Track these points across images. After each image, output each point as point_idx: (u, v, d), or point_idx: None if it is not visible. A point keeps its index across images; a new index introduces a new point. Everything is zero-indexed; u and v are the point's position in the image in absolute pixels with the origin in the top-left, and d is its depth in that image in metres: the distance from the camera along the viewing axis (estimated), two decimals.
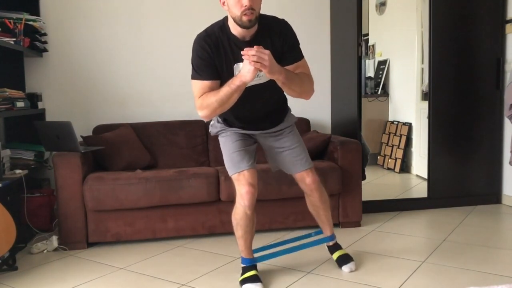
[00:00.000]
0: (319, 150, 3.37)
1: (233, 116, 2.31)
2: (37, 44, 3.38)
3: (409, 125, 4.21)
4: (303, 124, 3.76)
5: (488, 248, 2.77)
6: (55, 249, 2.89)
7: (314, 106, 4.03)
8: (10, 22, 3.09)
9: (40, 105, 3.45)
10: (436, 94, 3.63)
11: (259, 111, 2.32)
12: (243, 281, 2.30)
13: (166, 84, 3.81)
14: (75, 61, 3.68)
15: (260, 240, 3.00)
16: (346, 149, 3.20)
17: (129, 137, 3.38)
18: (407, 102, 4.26)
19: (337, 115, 4.01)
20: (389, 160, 4.43)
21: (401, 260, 2.61)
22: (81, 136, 3.21)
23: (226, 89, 2.03)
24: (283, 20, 2.24)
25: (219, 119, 2.39)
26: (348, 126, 3.71)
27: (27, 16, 3.23)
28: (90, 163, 3.12)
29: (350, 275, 2.40)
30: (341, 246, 2.58)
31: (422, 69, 3.98)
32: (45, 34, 3.52)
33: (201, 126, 3.63)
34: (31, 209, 3.11)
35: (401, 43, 4.32)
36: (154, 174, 3.00)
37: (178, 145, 3.54)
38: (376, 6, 4.41)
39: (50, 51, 3.61)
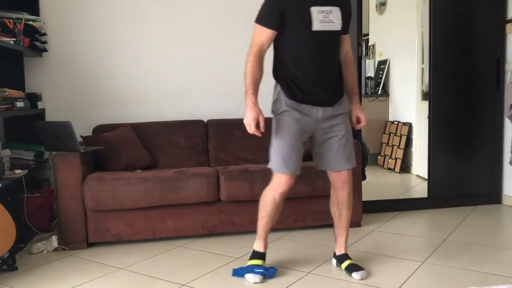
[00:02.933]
0: None
1: (300, 71, 2.28)
2: (37, 44, 3.38)
3: (409, 125, 4.21)
4: None
5: (488, 248, 2.77)
6: (55, 249, 2.89)
7: None
8: (10, 22, 3.09)
9: (40, 105, 3.44)
10: (436, 94, 3.63)
11: (323, 68, 2.29)
12: (247, 270, 2.40)
13: (166, 84, 3.81)
14: (75, 61, 3.67)
15: None
16: None
17: (129, 137, 3.37)
18: (407, 102, 4.26)
19: None
20: (389, 160, 4.43)
21: (401, 260, 2.60)
22: (81, 136, 3.21)
23: (246, 83, 2.36)
24: None
25: (284, 86, 2.34)
26: None
27: (27, 16, 3.22)
28: (90, 163, 3.12)
29: (350, 275, 2.40)
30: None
31: (422, 69, 3.98)
32: (45, 34, 3.52)
33: (201, 126, 3.63)
34: (31, 209, 3.11)
35: (401, 43, 4.32)
36: (154, 174, 3.00)
37: (178, 145, 3.54)
38: (376, 6, 4.41)
39: (50, 51, 3.60)
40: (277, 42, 2.32)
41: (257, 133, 2.22)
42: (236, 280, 2.38)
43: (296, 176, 2.34)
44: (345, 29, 2.33)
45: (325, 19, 2.22)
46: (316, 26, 2.21)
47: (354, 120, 2.43)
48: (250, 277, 2.35)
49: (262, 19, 2.25)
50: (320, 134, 2.36)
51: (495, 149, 3.74)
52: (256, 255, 2.47)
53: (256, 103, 2.25)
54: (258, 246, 2.49)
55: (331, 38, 2.28)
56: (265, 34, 2.26)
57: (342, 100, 2.37)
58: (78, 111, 3.67)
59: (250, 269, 2.38)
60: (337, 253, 2.52)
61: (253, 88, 2.28)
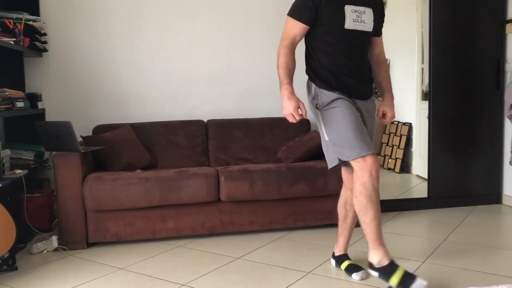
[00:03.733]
0: (319, 150, 3.37)
1: (334, 66, 2.27)
2: (37, 44, 3.38)
3: (409, 125, 4.21)
4: (303, 124, 3.75)
5: (488, 248, 2.77)
6: (55, 249, 2.89)
7: None
8: (10, 22, 3.09)
9: (40, 105, 3.44)
10: (436, 94, 3.63)
11: (355, 64, 2.29)
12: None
13: (166, 84, 3.81)
14: (75, 61, 3.67)
15: (260, 240, 3.00)
16: None
17: (129, 137, 3.37)
18: (407, 102, 4.26)
19: None
20: (389, 160, 4.43)
21: (401, 260, 2.60)
22: (81, 136, 3.21)
23: (281, 73, 2.21)
24: None
25: (322, 81, 2.29)
26: None
27: (27, 16, 3.22)
28: (90, 163, 3.12)
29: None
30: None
31: (422, 69, 3.98)
32: (45, 34, 3.52)
33: (201, 126, 3.63)
34: (31, 209, 3.10)
35: (401, 43, 4.32)
36: (154, 174, 3.00)
37: (178, 145, 3.54)
38: None
39: (50, 51, 3.60)
40: (308, 38, 2.32)
41: (299, 119, 2.15)
42: (236, 280, 2.38)
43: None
44: (376, 31, 2.36)
45: (358, 18, 2.23)
46: (349, 24, 2.22)
47: (380, 114, 2.44)
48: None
49: (297, 12, 2.25)
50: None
51: (495, 149, 3.74)
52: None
53: (293, 92, 2.18)
54: (382, 256, 2.20)
55: (362, 38, 2.29)
56: (298, 27, 2.25)
57: (371, 99, 2.41)
58: (78, 111, 3.67)
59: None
60: (336, 254, 2.52)
61: (288, 78, 2.20)
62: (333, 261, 2.54)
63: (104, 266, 2.65)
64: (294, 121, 2.16)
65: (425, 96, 3.87)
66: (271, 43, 3.92)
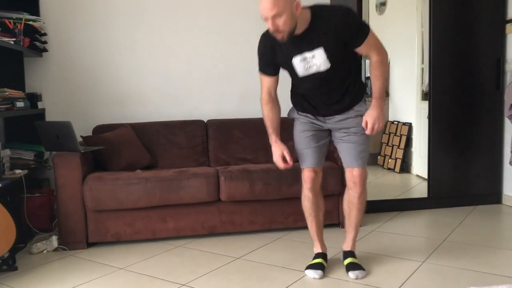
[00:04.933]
0: None
1: (305, 97, 2.41)
2: (37, 44, 3.38)
3: (409, 125, 4.21)
4: None
5: (488, 248, 2.77)
6: (55, 249, 2.89)
7: None
8: (10, 22, 3.09)
9: (40, 105, 3.44)
10: (436, 94, 3.63)
11: (326, 94, 2.34)
12: (308, 267, 2.48)
13: (166, 84, 3.81)
14: (75, 61, 3.67)
15: (260, 240, 3.00)
16: None
17: (129, 137, 3.37)
18: (407, 102, 4.26)
19: None
20: (389, 160, 4.42)
21: (401, 260, 2.60)
22: (81, 136, 3.21)
23: (265, 124, 2.42)
24: (341, 12, 2.17)
25: (295, 102, 2.50)
26: None
27: (27, 16, 3.22)
28: (90, 163, 3.12)
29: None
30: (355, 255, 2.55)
31: (422, 69, 3.98)
32: (45, 34, 3.52)
33: (201, 126, 3.63)
34: (31, 209, 3.10)
35: (401, 43, 4.31)
36: (154, 174, 3.00)
37: (178, 145, 3.54)
38: (376, 6, 4.40)
39: (50, 51, 3.60)
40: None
41: (287, 167, 2.37)
42: (236, 280, 2.38)
43: (316, 170, 2.45)
44: (359, 42, 2.20)
45: (308, 65, 2.22)
46: (302, 73, 2.27)
47: (364, 123, 2.30)
48: (310, 273, 2.43)
49: (261, 67, 2.37)
50: (336, 132, 2.46)
51: (495, 149, 3.73)
52: (315, 256, 2.55)
53: (277, 140, 2.39)
54: (315, 248, 2.59)
55: (322, 75, 2.25)
56: (267, 80, 2.37)
57: (359, 104, 2.40)
58: (78, 111, 3.67)
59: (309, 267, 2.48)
60: (344, 249, 2.57)
61: (271, 128, 2.41)
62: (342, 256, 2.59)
63: (104, 266, 2.65)
64: (282, 168, 2.37)
65: (425, 96, 3.87)
66: None
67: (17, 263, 2.62)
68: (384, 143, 4.48)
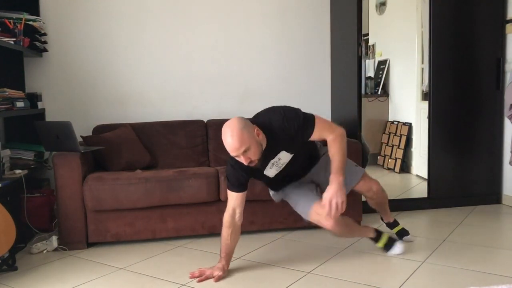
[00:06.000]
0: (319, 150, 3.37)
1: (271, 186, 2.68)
2: (37, 44, 3.38)
3: (409, 125, 4.21)
4: None
5: (488, 248, 2.76)
6: (55, 249, 2.89)
7: (314, 106, 4.03)
8: (10, 22, 3.09)
9: (40, 105, 3.44)
10: (436, 94, 3.63)
11: (293, 172, 2.55)
12: (387, 248, 2.69)
13: (166, 84, 3.81)
14: (75, 61, 3.67)
15: (260, 240, 3.00)
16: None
17: (129, 137, 3.37)
18: (407, 102, 4.26)
19: (337, 115, 4.00)
20: (389, 160, 4.42)
21: (401, 260, 2.60)
22: (81, 136, 3.21)
23: (222, 247, 2.47)
24: (284, 119, 2.31)
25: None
26: (348, 126, 3.69)
27: (27, 16, 3.22)
28: (90, 163, 3.12)
29: (350, 275, 2.40)
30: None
31: (422, 69, 3.97)
32: (45, 34, 3.52)
33: (201, 126, 3.63)
34: (31, 209, 3.10)
35: (401, 43, 4.31)
36: (154, 174, 3.00)
37: (178, 145, 3.54)
38: (376, 6, 4.40)
39: (50, 51, 3.60)
40: None
41: (201, 279, 2.38)
42: (236, 280, 2.38)
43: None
44: (309, 134, 2.35)
45: (277, 166, 2.42)
46: (274, 175, 2.46)
47: (323, 202, 2.34)
48: (397, 249, 2.67)
49: (231, 187, 2.42)
50: (316, 180, 2.65)
51: (495, 149, 3.73)
52: (377, 236, 2.71)
53: (224, 266, 2.44)
54: (369, 234, 2.73)
55: (288, 163, 2.43)
56: (236, 197, 2.41)
57: (319, 159, 2.65)
58: (78, 111, 3.68)
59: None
60: (387, 221, 2.91)
61: (224, 253, 2.45)
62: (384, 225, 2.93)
63: (104, 266, 2.65)
64: (196, 278, 2.39)
65: (425, 96, 3.87)
66: (271, 43, 3.93)
67: (17, 263, 2.62)
68: (384, 143, 4.48)
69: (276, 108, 2.36)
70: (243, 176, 2.37)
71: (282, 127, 2.28)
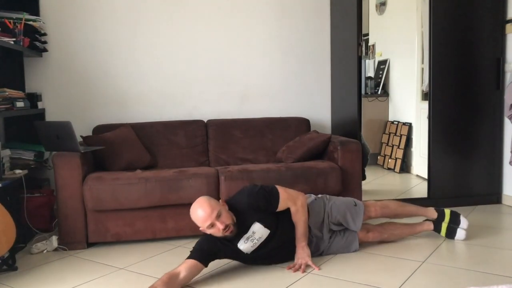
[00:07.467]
0: (319, 150, 3.37)
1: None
2: (37, 44, 3.38)
3: (409, 125, 4.21)
4: (303, 124, 3.76)
5: (488, 248, 2.77)
6: (55, 249, 2.89)
7: (314, 106, 4.04)
8: (10, 22, 3.09)
9: (40, 105, 3.44)
10: (436, 94, 3.63)
11: (278, 252, 2.56)
12: (449, 236, 2.87)
13: (166, 84, 3.81)
14: (75, 61, 3.68)
15: None
16: (346, 149, 3.20)
17: (129, 137, 3.37)
18: (407, 102, 4.26)
19: (337, 115, 4.00)
20: (389, 160, 4.43)
21: (401, 260, 2.60)
22: (81, 136, 3.21)
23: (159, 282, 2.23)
24: (248, 196, 2.48)
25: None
26: (348, 126, 3.71)
27: (27, 16, 3.22)
28: (90, 163, 3.12)
29: (350, 275, 2.40)
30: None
31: (422, 69, 3.98)
32: (45, 34, 3.52)
33: (201, 126, 3.63)
34: (31, 209, 3.10)
35: (401, 43, 4.32)
36: (154, 174, 3.00)
37: (178, 145, 3.54)
38: (376, 6, 4.41)
39: (50, 51, 3.61)
40: None
41: None
42: (236, 279, 2.38)
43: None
44: (275, 207, 2.47)
45: (253, 242, 2.43)
46: (250, 251, 2.45)
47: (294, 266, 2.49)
48: (461, 234, 2.87)
49: (191, 253, 2.37)
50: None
51: (495, 149, 3.73)
52: (438, 220, 2.93)
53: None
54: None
55: (267, 239, 2.46)
56: (189, 262, 2.31)
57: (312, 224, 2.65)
58: (78, 111, 3.68)
59: None
60: (434, 217, 2.92)
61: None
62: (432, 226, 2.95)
63: (104, 266, 2.65)
64: None
65: (425, 96, 3.87)
66: (271, 43, 3.93)
67: (17, 263, 2.62)
68: (384, 143, 4.48)
69: (242, 188, 2.58)
70: (215, 248, 2.37)
71: (247, 201, 2.45)
